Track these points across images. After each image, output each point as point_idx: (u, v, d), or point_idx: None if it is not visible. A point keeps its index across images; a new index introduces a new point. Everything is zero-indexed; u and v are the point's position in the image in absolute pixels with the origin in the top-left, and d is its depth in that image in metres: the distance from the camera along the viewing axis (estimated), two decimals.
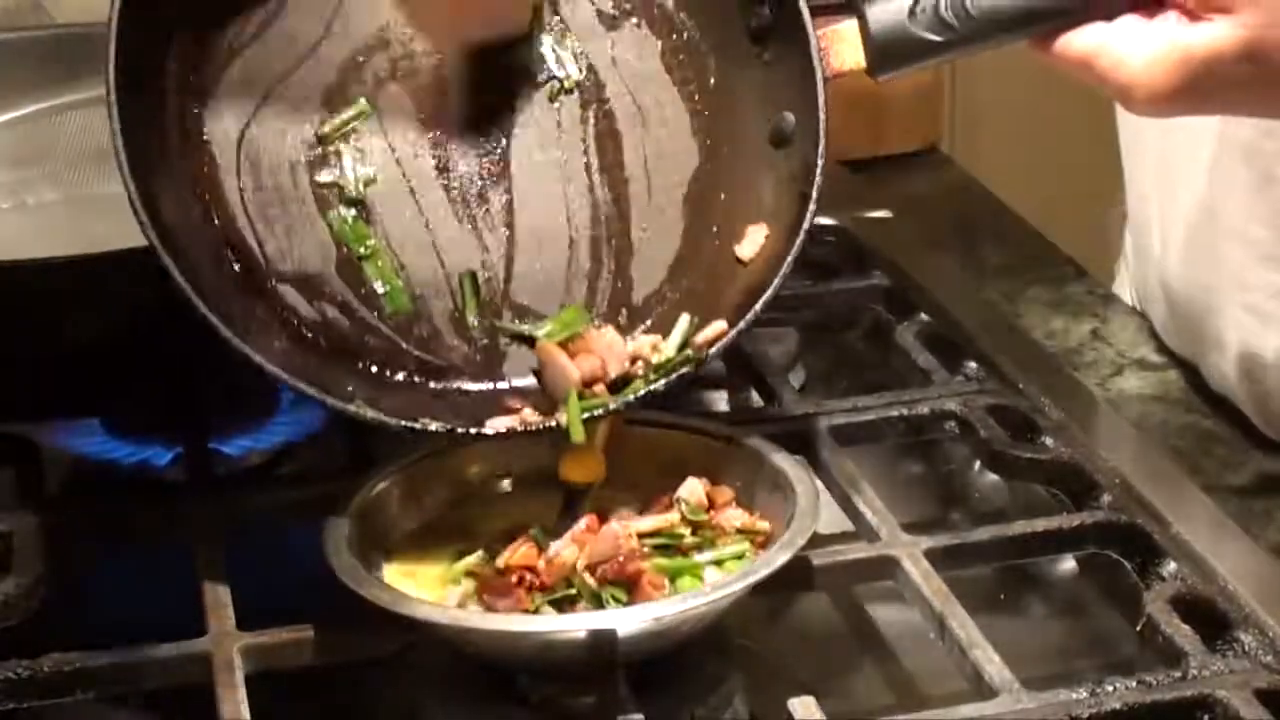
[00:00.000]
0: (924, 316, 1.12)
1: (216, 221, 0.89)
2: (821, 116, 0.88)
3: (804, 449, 0.93)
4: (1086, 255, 1.32)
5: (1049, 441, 0.98)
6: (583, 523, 0.84)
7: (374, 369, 0.89)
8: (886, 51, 0.88)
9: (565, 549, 0.83)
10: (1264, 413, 1.08)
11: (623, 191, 0.94)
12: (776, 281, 0.87)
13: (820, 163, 0.88)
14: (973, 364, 1.06)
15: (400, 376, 0.90)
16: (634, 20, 0.94)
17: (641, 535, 0.85)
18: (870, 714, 0.83)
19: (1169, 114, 0.88)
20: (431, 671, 0.83)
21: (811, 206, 0.88)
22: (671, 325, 0.90)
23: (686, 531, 0.86)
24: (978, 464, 1.01)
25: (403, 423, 0.85)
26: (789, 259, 0.87)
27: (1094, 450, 0.97)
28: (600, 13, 0.95)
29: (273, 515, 0.94)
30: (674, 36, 0.94)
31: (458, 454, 0.91)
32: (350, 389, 0.87)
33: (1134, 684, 0.80)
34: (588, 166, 0.93)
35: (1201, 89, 0.84)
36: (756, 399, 1.06)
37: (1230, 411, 1.10)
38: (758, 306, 0.87)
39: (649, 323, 0.92)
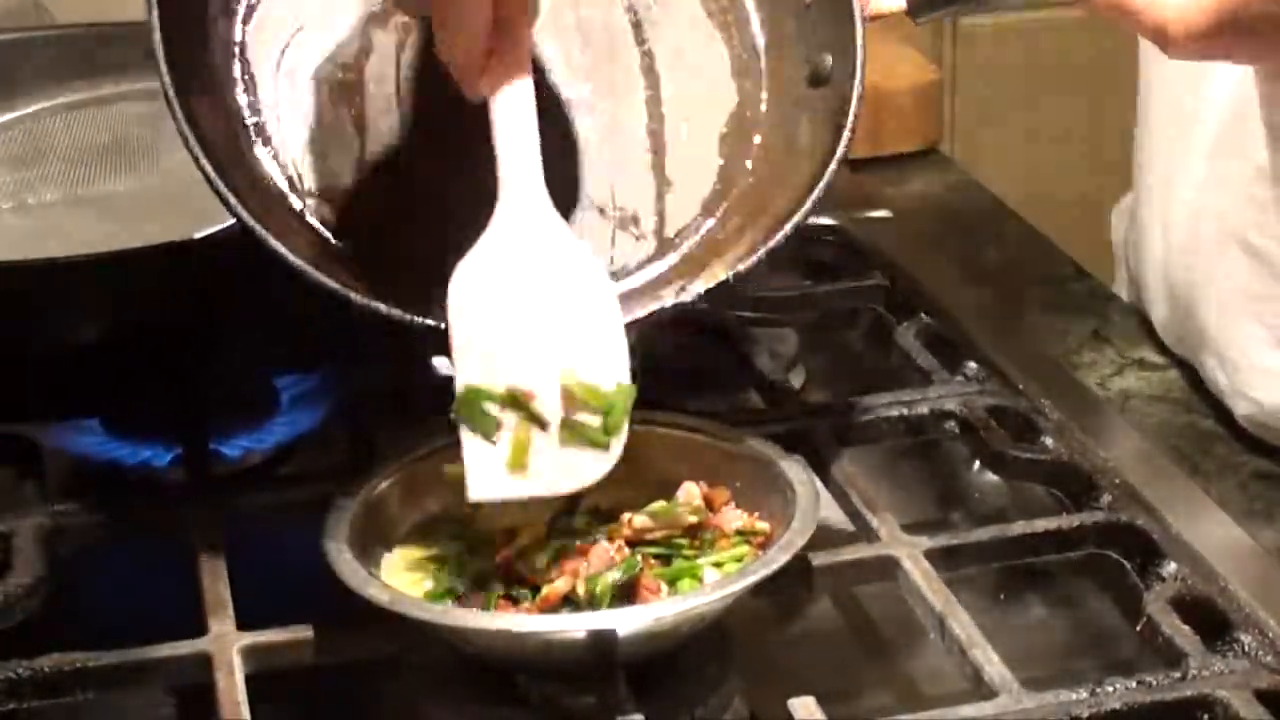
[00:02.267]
0: (924, 316, 1.12)
1: (255, 147, 0.89)
2: (859, 55, 0.89)
3: (804, 449, 0.93)
4: (1086, 255, 1.32)
5: (1049, 441, 0.98)
6: (572, 545, 0.84)
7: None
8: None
9: (559, 581, 0.82)
10: (1260, 420, 1.08)
11: (659, 128, 0.94)
12: (807, 205, 0.87)
13: (857, 94, 0.88)
14: (973, 364, 1.06)
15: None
16: None
17: (637, 544, 0.85)
18: (870, 714, 0.83)
19: (1203, 55, 0.87)
20: (431, 671, 0.83)
21: (846, 134, 0.88)
22: (701, 263, 0.90)
23: (685, 542, 0.86)
24: (978, 464, 1.01)
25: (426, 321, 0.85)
26: (821, 184, 0.87)
27: (1094, 450, 0.97)
28: None
29: (273, 515, 0.94)
30: None
31: (458, 453, 0.91)
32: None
33: (1134, 684, 0.80)
34: (625, 101, 0.94)
35: (1237, 30, 0.83)
36: (756, 399, 1.06)
37: (1230, 412, 1.10)
38: (786, 228, 0.87)
39: (682, 252, 0.93)
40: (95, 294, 0.92)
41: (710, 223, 0.93)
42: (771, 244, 0.87)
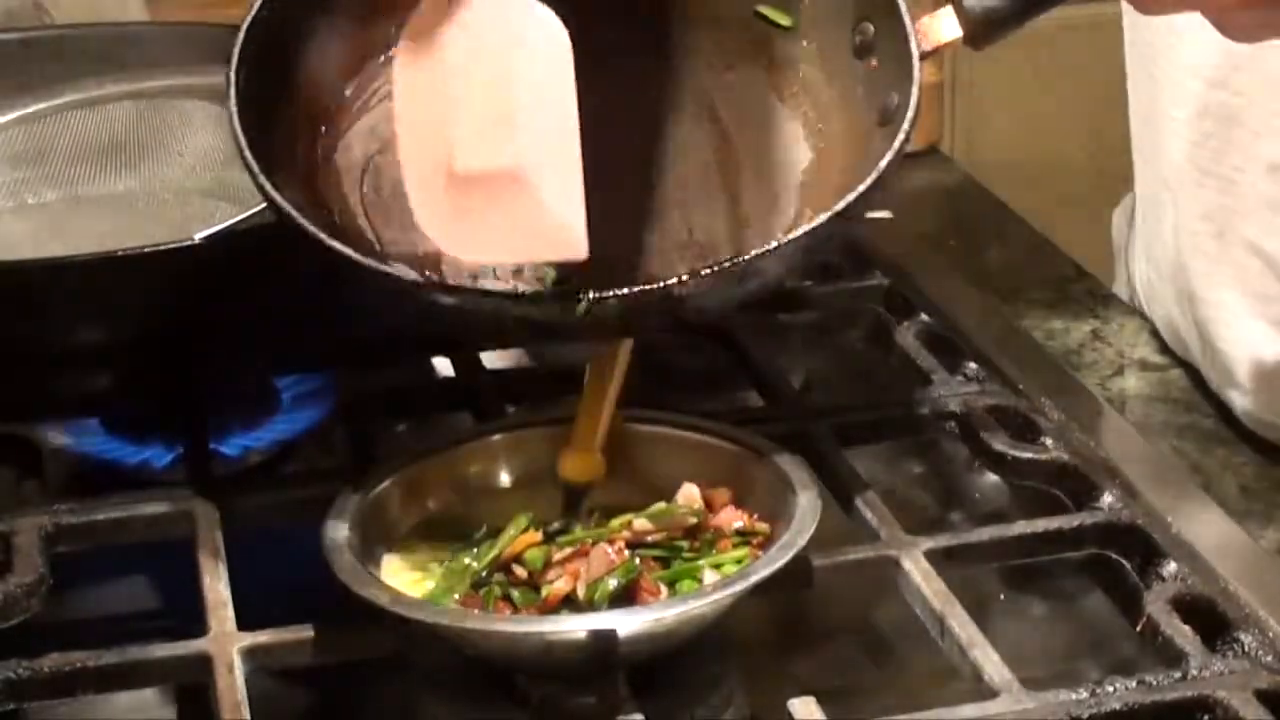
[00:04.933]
0: (924, 316, 1.12)
1: (337, 221, 0.89)
2: (914, 92, 0.89)
3: (804, 449, 0.93)
4: (1086, 255, 1.32)
5: (1049, 441, 0.98)
6: (571, 549, 0.84)
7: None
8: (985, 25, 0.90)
9: (558, 581, 0.82)
10: (1261, 419, 1.08)
11: (733, 179, 0.94)
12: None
13: (910, 120, 0.88)
14: (973, 364, 1.06)
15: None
16: (745, 68, 0.96)
17: (637, 545, 0.85)
18: (870, 714, 0.83)
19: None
20: (431, 671, 0.83)
21: (899, 140, 0.87)
22: None
23: (685, 544, 0.86)
24: (978, 464, 1.01)
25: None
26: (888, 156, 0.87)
27: (1094, 450, 0.97)
28: (710, 64, 0.96)
29: (273, 515, 0.94)
30: (787, 73, 0.96)
31: (458, 453, 0.91)
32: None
33: (1134, 684, 0.80)
34: (702, 163, 0.95)
35: None
36: (756, 399, 1.06)
37: (1231, 411, 1.10)
38: (861, 187, 0.86)
39: None
40: (95, 294, 0.92)
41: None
42: (839, 206, 0.85)
